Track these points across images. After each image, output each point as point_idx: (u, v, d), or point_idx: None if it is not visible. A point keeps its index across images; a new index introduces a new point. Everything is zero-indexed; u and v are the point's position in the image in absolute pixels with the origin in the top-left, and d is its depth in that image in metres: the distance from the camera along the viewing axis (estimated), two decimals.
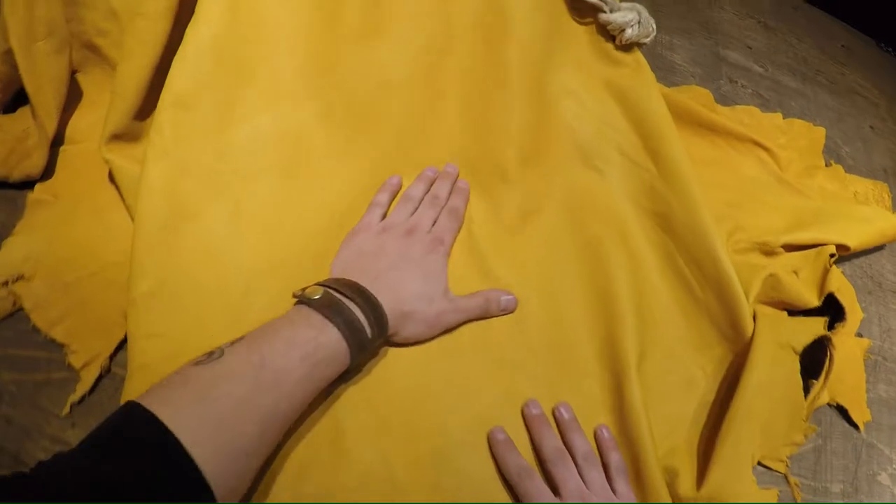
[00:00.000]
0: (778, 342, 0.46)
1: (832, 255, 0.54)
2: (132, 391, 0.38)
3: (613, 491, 0.39)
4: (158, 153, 0.42)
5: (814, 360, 0.49)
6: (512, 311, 0.46)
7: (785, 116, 0.70)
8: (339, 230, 0.45)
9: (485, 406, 0.42)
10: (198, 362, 0.34)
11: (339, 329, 0.37)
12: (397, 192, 0.50)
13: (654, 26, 0.56)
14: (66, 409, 0.40)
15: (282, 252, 0.44)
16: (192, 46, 0.43)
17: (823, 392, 0.47)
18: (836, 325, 0.51)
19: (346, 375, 0.40)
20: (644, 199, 0.52)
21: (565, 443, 0.41)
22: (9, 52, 0.46)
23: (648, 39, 0.56)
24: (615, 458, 0.41)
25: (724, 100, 0.69)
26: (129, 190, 0.44)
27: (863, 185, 0.65)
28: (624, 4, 0.55)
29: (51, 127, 0.48)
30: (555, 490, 0.38)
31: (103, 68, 0.51)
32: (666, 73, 0.68)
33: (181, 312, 0.40)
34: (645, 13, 0.56)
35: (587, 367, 0.45)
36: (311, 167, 0.47)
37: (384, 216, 0.47)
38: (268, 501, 0.36)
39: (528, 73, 0.52)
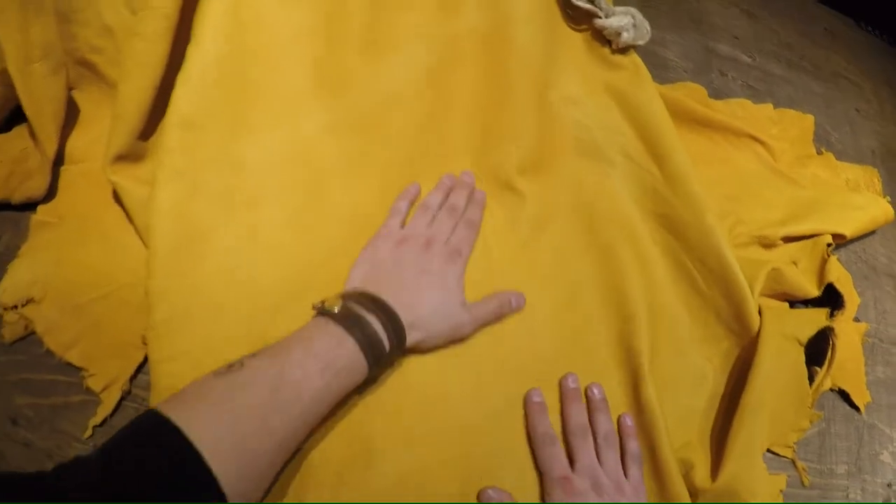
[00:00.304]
0: (783, 334, 0.48)
1: (829, 245, 0.56)
2: None
3: (626, 475, 0.42)
4: (169, 174, 0.42)
5: (816, 349, 0.51)
6: (521, 310, 0.47)
7: (775, 105, 0.71)
8: (356, 245, 0.46)
9: (502, 409, 0.44)
10: (218, 373, 0.35)
11: (357, 341, 0.37)
12: (416, 199, 0.50)
13: (648, 29, 0.57)
14: (89, 432, 0.41)
15: (300, 270, 0.45)
16: (195, 66, 0.43)
17: (827, 379, 0.49)
18: (835, 312, 0.53)
19: (365, 384, 0.41)
20: (648, 202, 0.53)
21: (591, 421, 0.43)
22: (3, 73, 0.46)
23: (643, 42, 0.56)
24: (633, 445, 0.43)
25: (716, 93, 0.70)
26: (136, 211, 0.44)
27: (854, 172, 0.67)
28: (618, 9, 0.56)
29: (51, 148, 0.47)
30: (571, 461, 0.41)
31: (99, 85, 0.51)
32: (659, 70, 0.69)
33: (204, 334, 0.40)
34: (639, 16, 0.57)
35: (606, 368, 0.47)
36: (323, 183, 0.47)
37: (403, 223, 0.48)
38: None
39: (530, 81, 0.52)
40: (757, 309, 0.48)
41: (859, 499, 0.49)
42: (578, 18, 0.56)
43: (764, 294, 0.52)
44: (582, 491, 0.39)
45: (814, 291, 0.53)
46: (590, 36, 0.57)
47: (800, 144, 0.68)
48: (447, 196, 0.50)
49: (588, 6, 0.55)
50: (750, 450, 0.43)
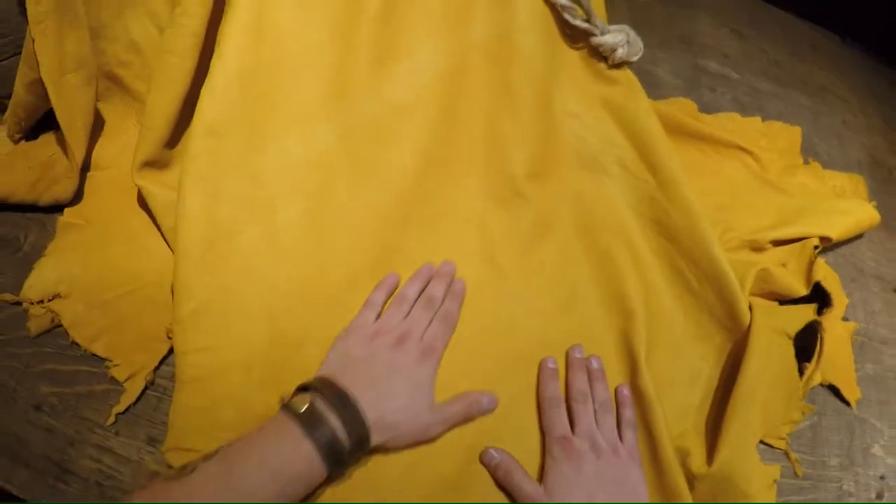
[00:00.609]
0: (772, 329, 0.50)
1: (816, 247, 0.58)
2: (182, 403, 0.42)
3: (621, 439, 0.45)
4: (195, 180, 0.45)
5: (806, 345, 0.53)
6: (493, 411, 0.46)
7: (763, 119, 0.75)
8: (364, 249, 0.49)
9: (511, 396, 0.47)
10: (169, 478, 0.35)
11: (315, 445, 0.37)
12: (394, 290, 0.50)
13: (641, 46, 0.60)
14: (112, 419, 0.43)
15: (313, 271, 0.48)
16: (219, 78, 0.46)
17: (816, 373, 0.52)
18: (824, 310, 0.56)
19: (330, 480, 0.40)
20: (645, 208, 0.56)
21: (590, 389, 0.47)
22: (34, 83, 0.49)
23: (636, 58, 0.60)
24: (628, 413, 0.47)
25: (706, 108, 0.73)
26: (162, 214, 0.47)
27: (840, 180, 0.70)
28: (612, 27, 0.59)
29: (80, 154, 0.51)
30: (572, 424, 0.45)
31: (124, 98, 0.54)
32: (652, 87, 0.73)
33: (226, 328, 0.43)
34: (632, 34, 0.61)
35: (608, 363, 0.49)
36: (337, 189, 0.50)
37: (379, 315, 0.48)
38: None
39: (534, 95, 0.56)
40: (748, 306, 0.51)
41: (853, 490, 0.51)
42: (576, 37, 0.60)
43: (754, 294, 0.55)
44: (581, 451, 0.43)
45: (802, 290, 0.55)
46: (587, 53, 0.60)
47: (788, 155, 0.71)
48: (425, 286, 0.50)
49: (585, 25, 0.59)
50: (743, 437, 0.45)
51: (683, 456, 0.45)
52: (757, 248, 0.59)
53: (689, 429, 0.48)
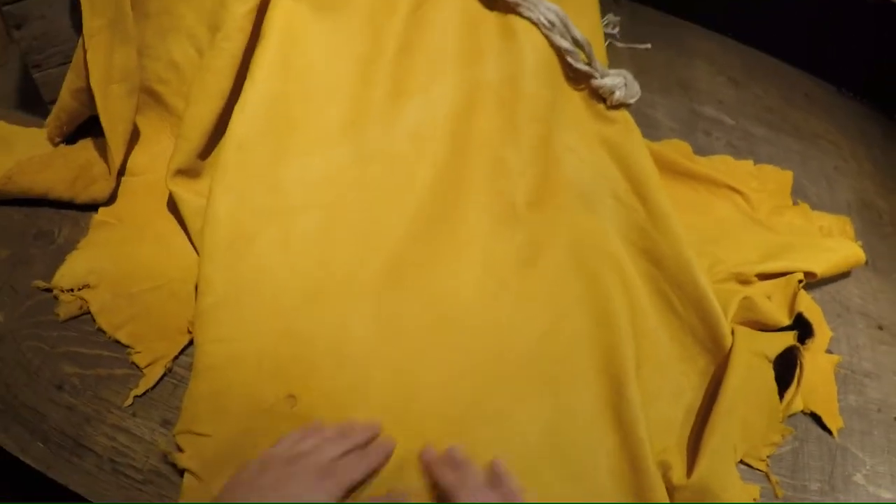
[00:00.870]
0: (752, 351, 0.53)
1: (800, 281, 0.61)
2: (195, 389, 0.45)
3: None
4: (223, 188, 0.50)
5: (787, 373, 0.55)
6: None
7: (755, 162, 0.79)
8: (367, 261, 0.53)
9: (499, 407, 0.49)
10: None
11: None
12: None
13: (639, 89, 0.65)
14: (129, 401, 0.46)
15: (320, 277, 0.52)
16: (250, 100, 0.52)
17: (797, 398, 0.54)
18: (806, 340, 0.58)
19: None
20: (635, 237, 0.60)
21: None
22: (80, 90, 0.55)
23: (634, 100, 0.65)
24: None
25: (700, 150, 0.78)
26: (191, 218, 0.53)
27: (827, 220, 0.73)
28: (611, 71, 0.65)
29: (118, 158, 0.56)
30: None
31: (159, 112, 0.60)
32: (649, 129, 0.78)
33: (241, 322, 0.47)
34: (630, 77, 0.66)
35: (594, 378, 0.52)
36: (350, 204, 0.55)
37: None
38: None
39: (535, 131, 0.61)
40: (730, 330, 0.54)
41: None
42: (578, 79, 0.65)
43: (738, 322, 0.57)
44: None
45: (785, 320, 0.58)
46: (587, 94, 0.65)
47: (777, 196, 0.74)
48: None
49: (586, 68, 0.64)
50: (722, 450, 0.47)
51: (665, 469, 0.48)
52: (743, 280, 0.62)
53: (672, 445, 0.50)
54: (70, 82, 0.56)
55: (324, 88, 0.55)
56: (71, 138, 0.61)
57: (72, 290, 0.50)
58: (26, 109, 0.64)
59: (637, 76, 0.65)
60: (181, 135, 0.52)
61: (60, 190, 0.54)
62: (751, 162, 0.78)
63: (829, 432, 0.56)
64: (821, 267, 0.63)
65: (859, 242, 0.70)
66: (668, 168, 0.70)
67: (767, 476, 0.52)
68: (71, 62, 0.56)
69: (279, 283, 0.49)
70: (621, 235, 0.60)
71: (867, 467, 0.56)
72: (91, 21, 0.51)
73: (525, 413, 0.49)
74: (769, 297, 0.61)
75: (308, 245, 0.52)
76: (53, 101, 0.59)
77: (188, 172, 0.53)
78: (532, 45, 0.61)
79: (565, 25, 0.62)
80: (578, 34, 0.62)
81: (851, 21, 0.91)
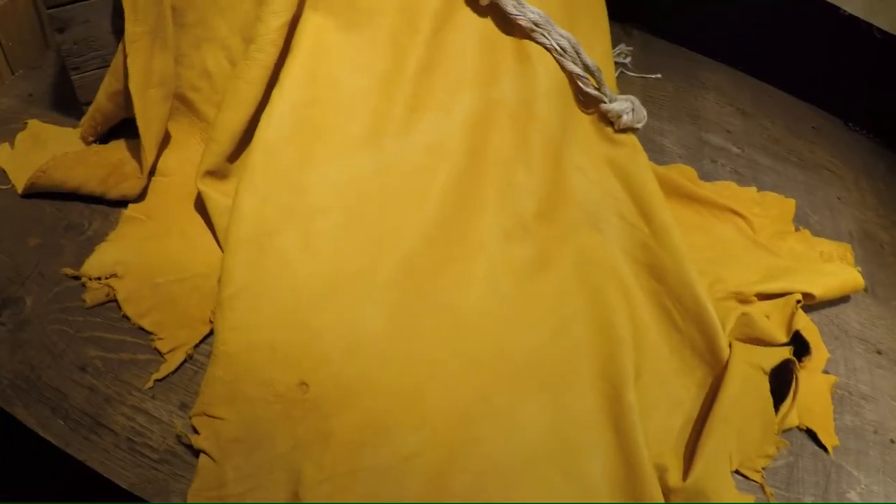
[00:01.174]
0: (749, 363, 0.55)
1: (798, 301, 0.63)
2: (211, 375, 0.48)
3: None
4: (249, 188, 0.53)
5: (784, 387, 0.56)
6: None
7: (759, 190, 0.81)
8: (380, 263, 0.55)
9: (500, 406, 0.51)
10: None
11: None
12: None
13: (645, 114, 0.68)
14: (150, 384, 0.48)
15: (335, 276, 0.55)
16: (277, 108, 0.55)
17: (793, 412, 0.55)
18: (803, 359, 0.59)
19: None
20: (638, 254, 0.62)
21: None
22: (117, 93, 0.59)
23: (640, 125, 0.68)
24: None
25: (705, 176, 0.80)
26: (217, 216, 0.56)
27: (828, 246, 0.75)
28: (620, 96, 0.68)
29: (150, 158, 0.60)
30: None
31: (190, 118, 0.64)
32: (657, 154, 0.80)
33: (257, 312, 0.50)
34: (637, 103, 0.69)
35: (592, 385, 0.53)
36: (367, 210, 0.58)
37: None
38: None
39: (546, 150, 0.63)
40: (727, 343, 0.55)
41: None
42: (588, 103, 0.68)
43: (735, 338, 0.59)
44: None
45: (782, 337, 0.59)
46: (596, 118, 0.68)
47: (779, 222, 0.76)
48: None
49: (596, 93, 0.67)
50: (717, 455, 0.49)
51: (661, 472, 0.49)
52: (743, 300, 0.64)
53: (668, 450, 0.52)
54: (108, 85, 0.59)
55: (348, 100, 0.58)
56: (104, 140, 0.64)
57: (99, 278, 0.52)
58: (60, 111, 0.67)
59: (647, 105, 0.69)
60: (212, 138, 0.55)
61: (93, 185, 0.58)
62: (754, 189, 0.81)
63: (825, 449, 0.57)
64: (819, 289, 0.65)
65: (859, 269, 0.72)
66: (672, 190, 0.73)
67: (762, 487, 0.53)
68: (109, 66, 0.59)
69: (297, 277, 0.52)
70: (626, 253, 0.63)
71: (862, 486, 0.57)
72: (133, 27, 0.55)
73: (527, 411, 0.51)
74: (767, 316, 0.62)
75: (326, 244, 0.55)
76: (88, 103, 0.63)
77: (217, 174, 0.57)
78: (545, 69, 0.64)
79: (577, 52, 0.65)
80: (589, 60, 0.65)
81: (860, 56, 0.94)
